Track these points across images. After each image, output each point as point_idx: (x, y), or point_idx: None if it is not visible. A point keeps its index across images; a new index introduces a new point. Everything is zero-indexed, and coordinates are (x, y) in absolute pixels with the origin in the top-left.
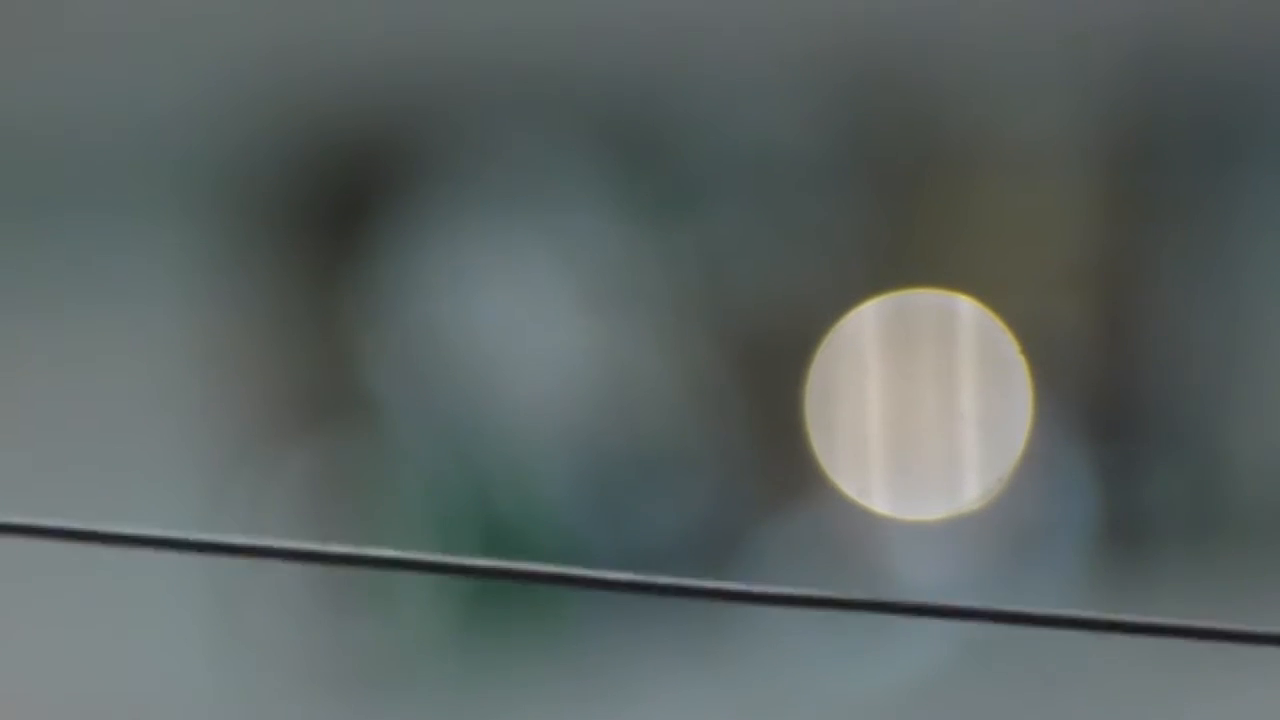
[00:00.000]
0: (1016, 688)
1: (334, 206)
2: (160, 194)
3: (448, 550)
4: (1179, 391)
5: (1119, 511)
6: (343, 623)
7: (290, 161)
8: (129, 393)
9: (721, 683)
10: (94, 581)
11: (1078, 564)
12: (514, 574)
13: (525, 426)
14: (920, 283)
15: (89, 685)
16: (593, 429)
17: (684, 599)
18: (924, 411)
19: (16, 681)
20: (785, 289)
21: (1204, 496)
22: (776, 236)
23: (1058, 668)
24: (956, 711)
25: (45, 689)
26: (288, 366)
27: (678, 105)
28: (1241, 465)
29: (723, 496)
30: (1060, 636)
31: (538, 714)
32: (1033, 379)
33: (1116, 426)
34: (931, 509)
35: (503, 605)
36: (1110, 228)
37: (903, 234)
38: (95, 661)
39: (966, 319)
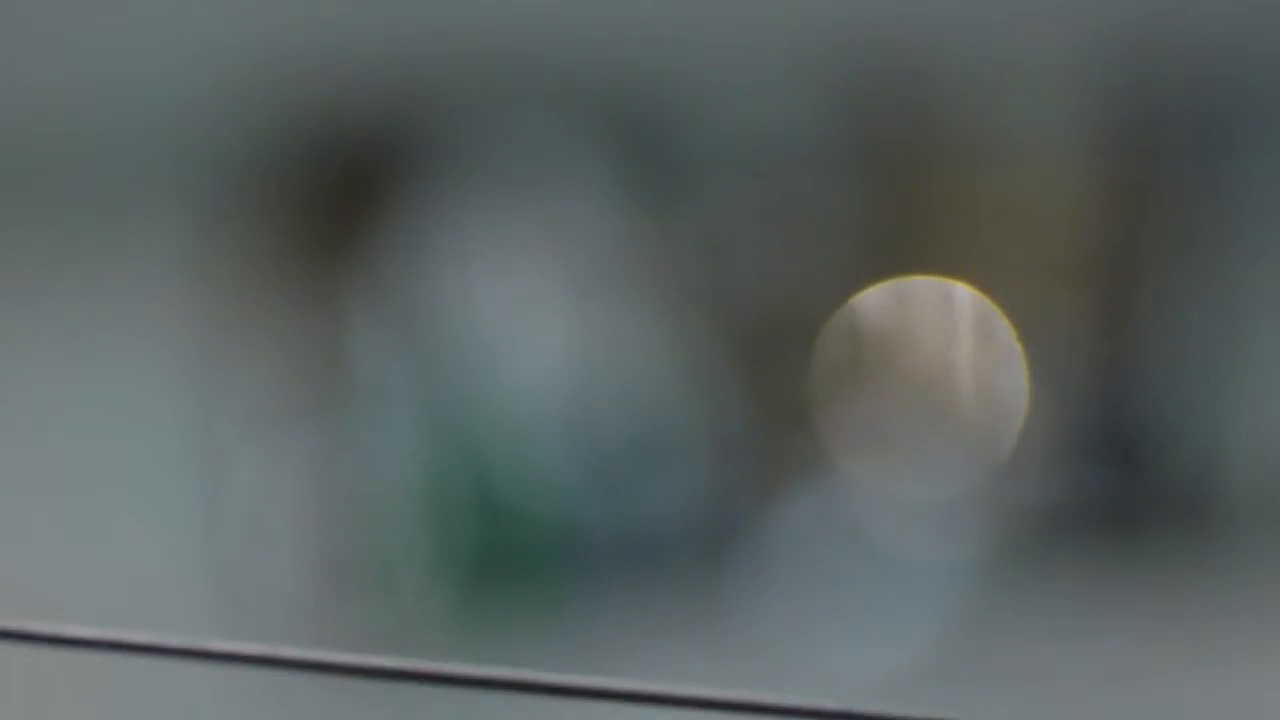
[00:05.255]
0: (1016, 677)
1: (334, 195)
2: (161, 183)
3: (447, 539)
4: (1175, 381)
5: (1115, 497)
6: (341, 607)
7: (291, 150)
8: (129, 381)
9: (722, 666)
10: (93, 571)
11: (1073, 548)
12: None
13: (526, 412)
14: (919, 270)
15: (84, 673)
16: (594, 415)
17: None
18: (921, 397)
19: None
20: (784, 276)
21: (1200, 484)
22: (776, 224)
23: (1056, 656)
24: (955, 696)
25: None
26: (288, 353)
27: (678, 92)
28: (1238, 454)
29: (723, 480)
30: (1058, 626)
31: (536, 700)
32: (1031, 367)
33: (1113, 414)
34: (929, 491)
35: (501, 588)
36: (1109, 216)
37: (902, 221)
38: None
39: (965, 306)
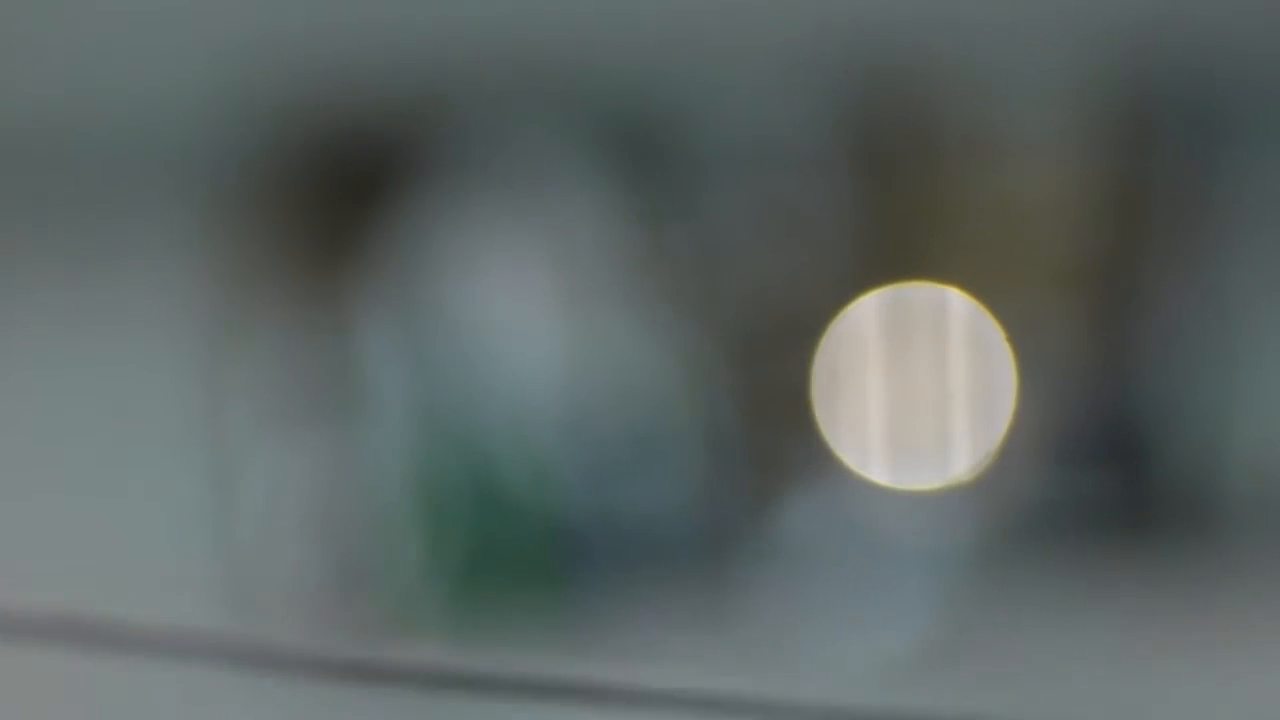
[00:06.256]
0: (1022, 655)
1: (337, 196)
2: (163, 182)
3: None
4: (1175, 381)
5: (1113, 496)
6: (343, 605)
7: (294, 151)
8: (132, 377)
9: (723, 660)
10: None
11: (1070, 547)
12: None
13: (528, 412)
14: (918, 272)
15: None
16: (595, 415)
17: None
18: (918, 397)
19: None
20: (783, 278)
21: (1199, 484)
22: (775, 226)
23: (1061, 637)
24: (962, 678)
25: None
26: (291, 352)
27: (677, 94)
28: (1237, 454)
29: (722, 479)
30: (1055, 622)
31: (538, 687)
32: (1028, 366)
33: (1111, 413)
34: (927, 489)
35: (502, 587)
36: (1107, 217)
37: (900, 224)
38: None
39: (960, 312)
